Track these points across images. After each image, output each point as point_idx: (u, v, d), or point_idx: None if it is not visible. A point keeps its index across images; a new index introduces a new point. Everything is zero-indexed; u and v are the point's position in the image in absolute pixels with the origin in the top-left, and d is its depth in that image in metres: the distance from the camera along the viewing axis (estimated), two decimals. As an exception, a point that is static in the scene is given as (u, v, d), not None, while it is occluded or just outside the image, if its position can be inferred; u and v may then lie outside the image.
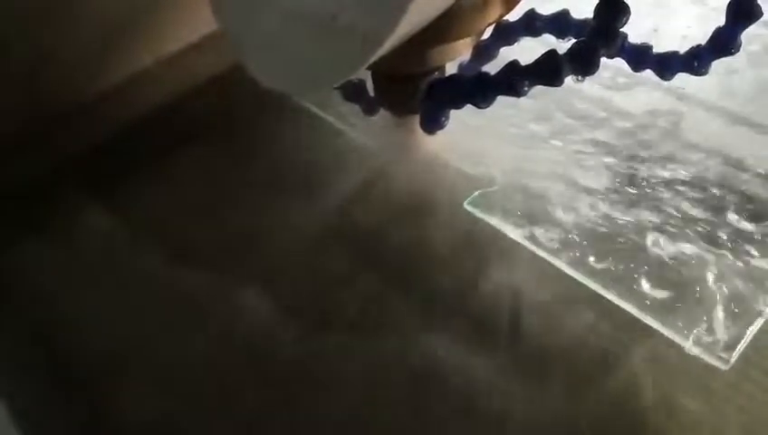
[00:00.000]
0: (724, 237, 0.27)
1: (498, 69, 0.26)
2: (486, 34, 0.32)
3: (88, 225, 0.32)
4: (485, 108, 0.26)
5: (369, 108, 0.32)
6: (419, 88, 0.28)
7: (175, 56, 0.39)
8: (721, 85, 0.29)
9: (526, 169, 0.31)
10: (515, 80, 0.24)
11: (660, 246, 0.27)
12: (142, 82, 0.38)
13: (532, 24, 0.31)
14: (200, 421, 0.25)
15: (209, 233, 0.30)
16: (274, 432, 0.24)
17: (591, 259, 0.27)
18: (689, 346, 0.24)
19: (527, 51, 0.27)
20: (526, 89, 0.24)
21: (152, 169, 0.34)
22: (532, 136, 0.32)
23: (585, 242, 0.28)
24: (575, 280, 0.27)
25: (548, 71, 0.24)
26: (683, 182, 0.30)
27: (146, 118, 0.36)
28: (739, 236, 0.27)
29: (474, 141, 0.31)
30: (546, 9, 0.32)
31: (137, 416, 0.25)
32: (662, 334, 0.25)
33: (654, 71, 0.30)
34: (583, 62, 0.24)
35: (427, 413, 0.24)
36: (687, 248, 0.27)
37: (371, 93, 0.31)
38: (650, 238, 0.28)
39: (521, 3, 0.27)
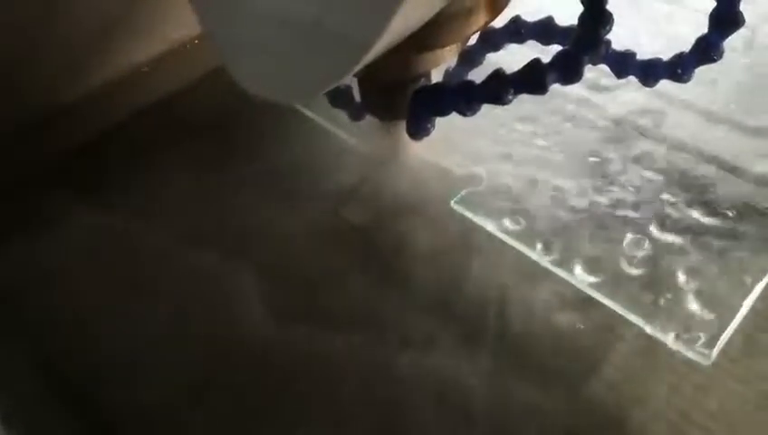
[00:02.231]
0: (707, 234, 0.28)
1: (484, 74, 0.26)
2: (472, 40, 0.32)
3: (78, 224, 0.31)
4: (470, 116, 0.26)
5: (356, 113, 0.32)
6: (405, 95, 0.28)
7: (168, 54, 0.39)
8: (703, 85, 0.30)
9: (512, 168, 0.31)
10: (500, 89, 0.25)
11: (644, 243, 0.28)
12: (135, 80, 0.38)
13: (517, 31, 0.31)
14: (195, 416, 0.25)
15: (201, 232, 0.30)
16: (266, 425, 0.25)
17: (576, 257, 0.28)
18: (671, 342, 0.25)
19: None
20: (511, 97, 0.25)
21: (145, 168, 0.34)
22: (519, 136, 0.33)
23: (570, 240, 0.28)
24: (560, 277, 0.27)
25: (532, 80, 0.24)
26: (667, 180, 0.30)
27: (139, 116, 0.36)
28: (721, 232, 0.28)
29: (461, 141, 0.32)
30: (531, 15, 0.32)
31: (133, 410, 0.25)
32: (645, 331, 0.25)
33: (637, 77, 0.30)
34: (567, 71, 0.24)
35: (416, 410, 0.24)
36: (670, 245, 0.28)
37: (358, 99, 0.31)
38: (634, 236, 0.28)
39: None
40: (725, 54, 0.28)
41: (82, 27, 0.35)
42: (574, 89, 0.34)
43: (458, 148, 0.32)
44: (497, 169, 0.31)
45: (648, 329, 0.25)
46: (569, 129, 0.33)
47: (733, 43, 0.28)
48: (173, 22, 0.38)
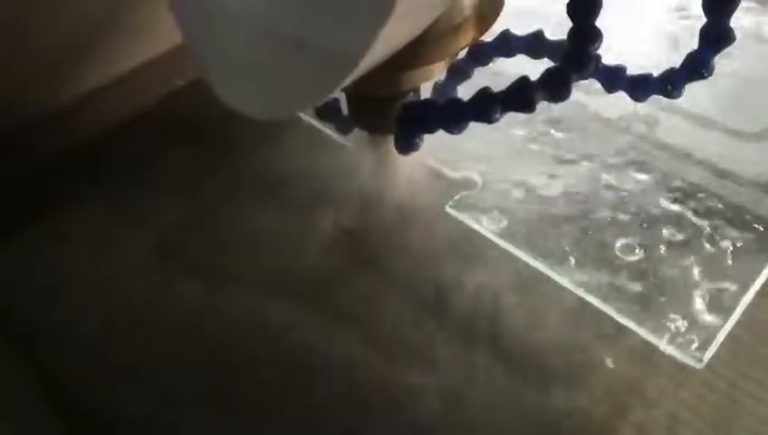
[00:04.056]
0: (699, 238, 0.28)
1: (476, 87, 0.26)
2: (461, 54, 0.32)
3: (72, 228, 0.31)
4: (458, 134, 0.26)
5: (344, 127, 0.32)
6: (393, 110, 0.28)
7: (164, 56, 0.39)
8: (695, 90, 0.30)
9: (506, 172, 0.31)
10: (487, 107, 0.24)
11: (636, 246, 0.28)
12: (131, 82, 0.38)
13: (507, 45, 0.31)
14: (190, 421, 0.25)
15: (197, 236, 0.30)
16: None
17: (570, 260, 0.28)
18: (664, 345, 0.25)
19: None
20: (498, 115, 0.24)
21: (141, 172, 0.34)
22: (513, 140, 0.33)
23: (564, 244, 0.28)
24: (554, 281, 0.27)
25: (520, 98, 0.24)
26: (658, 185, 0.30)
27: (135, 119, 0.36)
28: (713, 236, 0.28)
29: (455, 146, 0.31)
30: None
31: (127, 415, 0.25)
32: (637, 333, 0.25)
33: (627, 92, 0.30)
34: (556, 89, 0.24)
35: (410, 412, 0.24)
36: (663, 249, 0.28)
37: (345, 111, 0.31)
38: (626, 240, 0.28)
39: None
40: (723, 61, 0.28)
41: (77, 29, 0.35)
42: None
43: (453, 152, 0.32)
44: (492, 172, 0.31)
45: (642, 332, 0.25)
46: (562, 132, 0.33)
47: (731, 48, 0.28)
48: (170, 23, 0.38)
